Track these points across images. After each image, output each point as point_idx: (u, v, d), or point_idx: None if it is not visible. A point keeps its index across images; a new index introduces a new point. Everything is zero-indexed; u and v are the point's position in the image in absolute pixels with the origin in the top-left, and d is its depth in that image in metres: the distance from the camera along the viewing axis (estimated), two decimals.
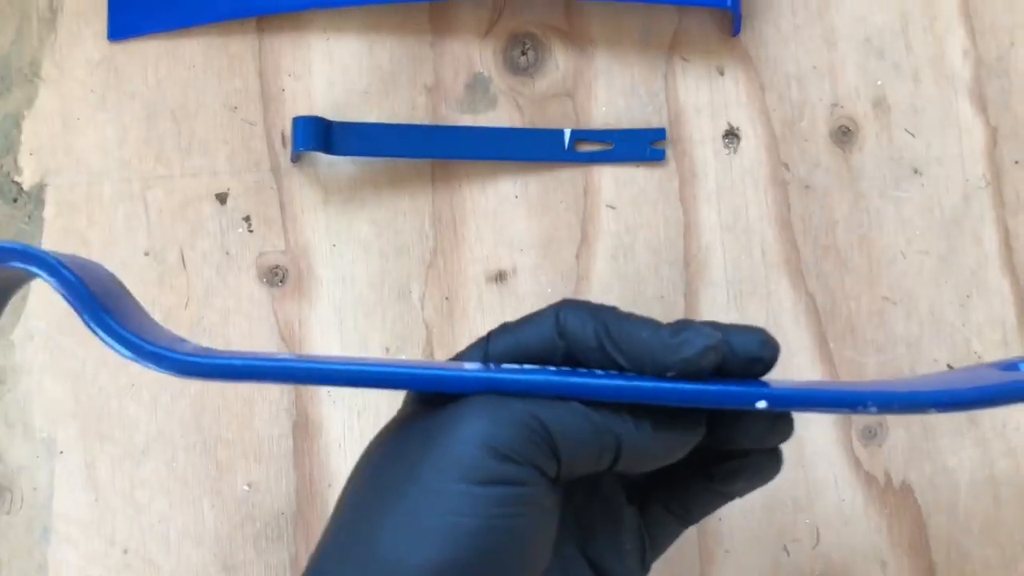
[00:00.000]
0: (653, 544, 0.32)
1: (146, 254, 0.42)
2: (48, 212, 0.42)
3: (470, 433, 0.26)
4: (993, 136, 0.42)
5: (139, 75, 0.42)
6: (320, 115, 0.42)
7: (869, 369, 0.41)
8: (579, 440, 0.27)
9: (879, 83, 0.42)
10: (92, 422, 0.41)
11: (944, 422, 0.41)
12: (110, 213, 0.42)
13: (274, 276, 0.42)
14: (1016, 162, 0.42)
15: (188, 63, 0.42)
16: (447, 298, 0.41)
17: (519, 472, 0.26)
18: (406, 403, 0.31)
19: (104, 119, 0.42)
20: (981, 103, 0.42)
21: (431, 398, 0.28)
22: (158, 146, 0.42)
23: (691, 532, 0.40)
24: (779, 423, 0.30)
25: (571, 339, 0.28)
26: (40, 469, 0.40)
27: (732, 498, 0.32)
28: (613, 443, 0.27)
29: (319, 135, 0.40)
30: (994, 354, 0.41)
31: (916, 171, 0.42)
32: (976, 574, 0.40)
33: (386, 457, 0.28)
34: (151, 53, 0.42)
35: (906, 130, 0.42)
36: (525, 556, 0.27)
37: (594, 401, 0.27)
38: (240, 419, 0.41)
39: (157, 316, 0.35)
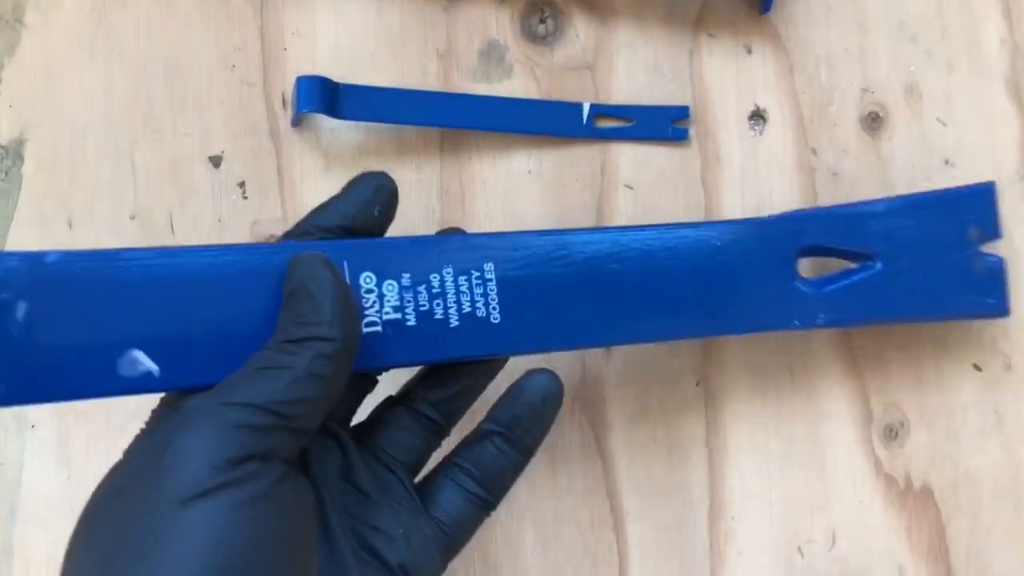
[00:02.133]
0: (448, 531, 0.30)
1: (132, 218, 0.39)
2: (28, 168, 0.39)
3: (193, 456, 0.25)
4: None
5: (130, 26, 0.40)
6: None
7: (893, 366, 0.39)
8: (300, 394, 0.27)
9: (912, 69, 0.40)
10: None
11: (969, 423, 0.39)
12: (94, 172, 0.39)
13: None
14: None
15: (184, 16, 0.40)
16: None
17: (249, 470, 0.25)
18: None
19: (91, 72, 0.39)
20: (1017, 94, 0.40)
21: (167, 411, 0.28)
22: (148, 103, 0.39)
23: (701, 531, 0.38)
24: None
25: None
26: (9, 443, 0.37)
27: (526, 453, 0.32)
28: (324, 369, 0.27)
29: (324, 97, 0.37)
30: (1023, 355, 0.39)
31: (947, 162, 0.40)
32: None
33: (111, 505, 0.26)
34: (144, 4, 0.40)
35: (938, 119, 0.40)
36: (290, 547, 0.26)
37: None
38: None
39: None
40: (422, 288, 0.31)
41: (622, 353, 0.39)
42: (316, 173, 0.39)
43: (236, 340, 0.29)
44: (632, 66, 0.40)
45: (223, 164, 0.39)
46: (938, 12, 0.41)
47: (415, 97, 0.39)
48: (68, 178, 0.39)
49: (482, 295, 0.32)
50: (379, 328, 0.30)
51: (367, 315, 0.30)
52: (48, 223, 0.39)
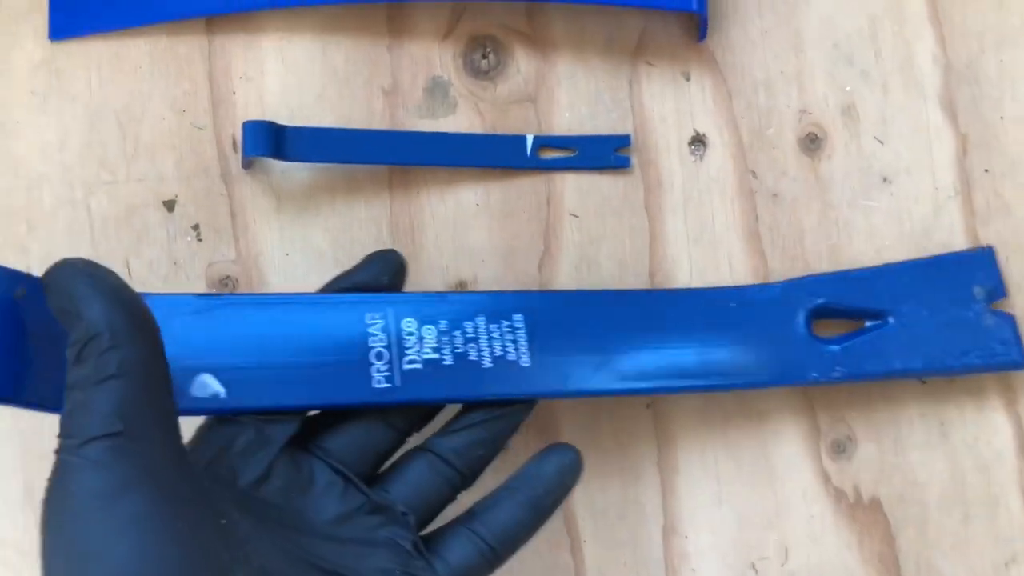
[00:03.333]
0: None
1: None
2: None
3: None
4: (963, 144, 0.41)
5: (82, 77, 0.40)
6: (273, 119, 0.40)
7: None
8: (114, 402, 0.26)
9: (848, 89, 0.41)
10: (33, 441, 0.39)
11: (915, 436, 0.40)
12: (51, 220, 0.40)
13: (224, 287, 0.40)
14: (986, 170, 0.41)
15: (134, 65, 0.41)
16: None
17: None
18: None
19: (45, 122, 0.40)
20: (951, 110, 0.41)
21: None
22: (102, 151, 0.40)
23: (656, 550, 0.39)
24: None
25: None
26: None
27: (542, 516, 0.33)
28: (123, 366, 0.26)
29: (270, 140, 0.38)
30: None
31: (885, 180, 0.41)
32: None
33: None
34: (95, 54, 0.41)
35: (875, 138, 0.41)
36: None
37: None
38: (189, 432, 0.39)
39: None
40: (457, 333, 0.35)
41: None
42: (268, 213, 0.40)
43: (287, 374, 0.33)
44: (573, 97, 0.41)
45: (177, 208, 0.40)
46: (872, 33, 0.41)
47: (361, 136, 0.40)
48: (26, 227, 0.40)
49: (512, 341, 0.35)
50: (419, 366, 0.34)
51: (408, 354, 0.34)
52: None
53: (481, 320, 0.35)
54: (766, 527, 0.39)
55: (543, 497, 0.32)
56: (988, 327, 0.38)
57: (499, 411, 0.34)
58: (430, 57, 0.41)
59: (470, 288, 0.40)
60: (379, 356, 0.34)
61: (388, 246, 0.40)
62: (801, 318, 0.38)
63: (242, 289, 0.40)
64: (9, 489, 0.39)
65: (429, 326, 0.35)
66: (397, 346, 0.34)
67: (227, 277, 0.40)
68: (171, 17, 0.41)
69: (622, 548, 0.39)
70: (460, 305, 0.35)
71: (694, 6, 0.39)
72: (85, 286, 0.27)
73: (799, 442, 0.40)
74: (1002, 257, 0.40)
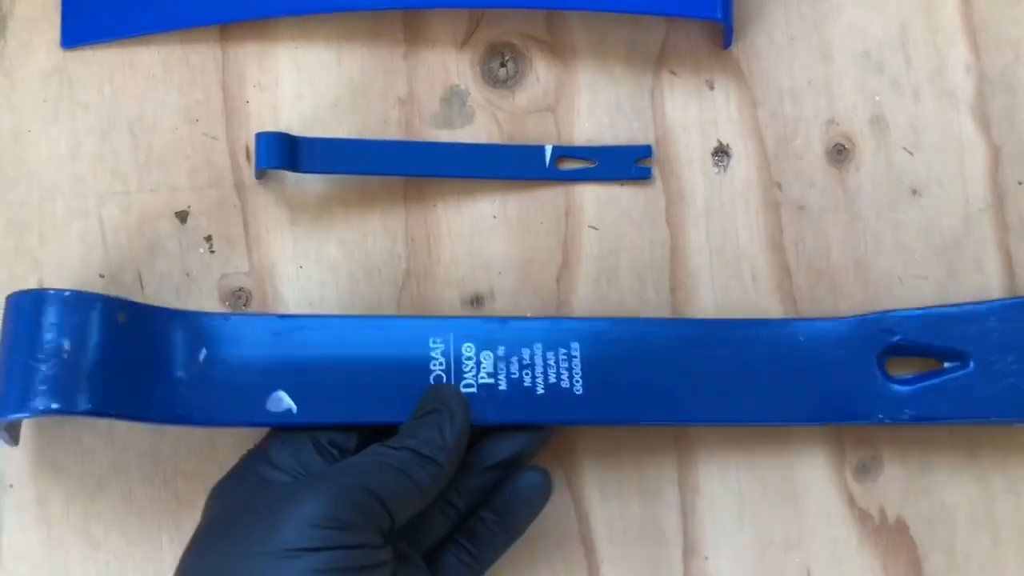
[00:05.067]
0: None
1: (101, 276, 0.39)
2: None
3: (305, 514, 0.30)
4: (996, 156, 0.40)
5: (94, 85, 0.40)
6: (287, 129, 0.39)
7: None
8: (405, 497, 0.32)
9: (877, 99, 0.40)
10: (45, 453, 0.39)
11: (943, 456, 0.39)
12: (63, 232, 0.39)
13: (237, 299, 0.39)
14: (1020, 183, 0.40)
15: (146, 73, 0.40)
16: None
17: (353, 538, 0.30)
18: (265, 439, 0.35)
19: (57, 132, 0.40)
20: (984, 121, 0.40)
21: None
22: (114, 161, 0.40)
23: (676, 572, 0.38)
24: (535, 433, 0.36)
25: None
26: None
27: (515, 535, 0.36)
28: (430, 486, 0.33)
29: (284, 152, 0.38)
30: None
31: (915, 192, 0.40)
32: None
33: (226, 531, 0.32)
34: (107, 62, 0.40)
35: (905, 149, 0.40)
36: None
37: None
38: (200, 450, 0.38)
39: None
40: (514, 359, 0.36)
41: None
42: (281, 225, 0.40)
43: (353, 392, 0.35)
44: (594, 106, 0.40)
45: (189, 219, 0.40)
46: (903, 40, 0.40)
47: (375, 147, 0.39)
48: (37, 238, 0.39)
49: (567, 369, 0.36)
50: (475, 390, 0.36)
51: (465, 378, 0.36)
52: (19, 283, 0.39)
53: (538, 347, 0.36)
54: (789, 549, 0.39)
55: (519, 522, 0.36)
56: None
57: (516, 452, 0.36)
58: (447, 65, 0.40)
59: (486, 303, 0.39)
60: (438, 379, 0.36)
61: (403, 260, 0.40)
62: (873, 356, 0.37)
63: (255, 301, 0.39)
64: (24, 501, 0.38)
65: (487, 351, 0.36)
66: (455, 370, 0.36)
67: (240, 289, 0.39)
68: (184, 25, 0.40)
69: (641, 570, 0.38)
70: (519, 332, 0.36)
71: (719, 14, 0.38)
72: (459, 430, 0.34)
73: (823, 462, 0.39)
74: None
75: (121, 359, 0.34)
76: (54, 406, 0.33)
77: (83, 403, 0.33)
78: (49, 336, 0.33)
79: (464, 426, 0.34)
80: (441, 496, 0.35)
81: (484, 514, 0.35)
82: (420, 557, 0.35)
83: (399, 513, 0.32)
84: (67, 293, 0.34)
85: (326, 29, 0.40)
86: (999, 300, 0.38)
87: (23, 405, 0.33)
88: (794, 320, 0.38)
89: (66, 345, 0.33)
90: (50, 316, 0.34)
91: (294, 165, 0.38)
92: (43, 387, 0.33)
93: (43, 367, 0.33)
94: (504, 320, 0.37)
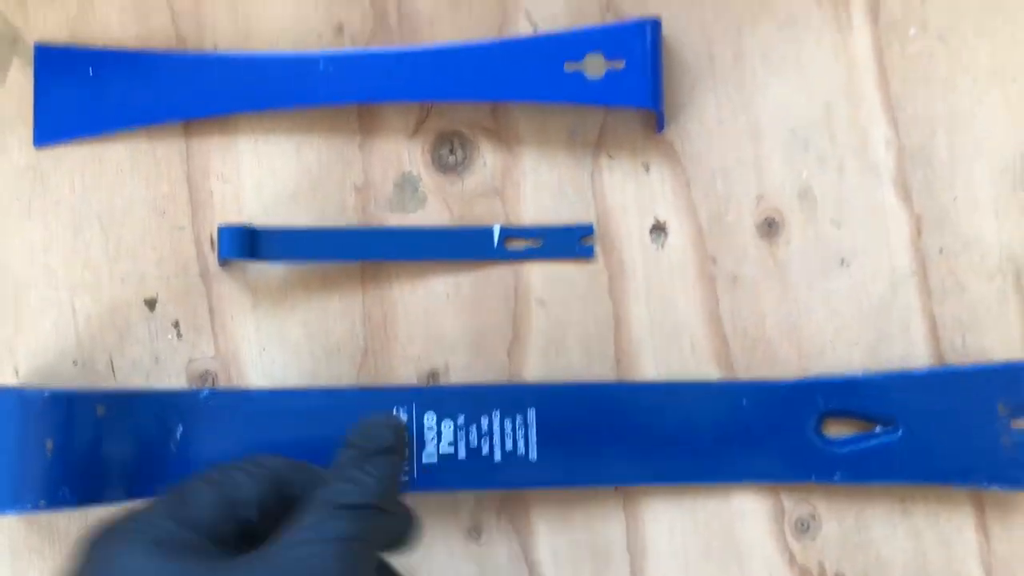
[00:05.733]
0: None
1: (75, 363, 0.41)
2: None
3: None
4: (918, 225, 0.42)
5: (65, 181, 0.42)
6: (249, 217, 0.42)
7: None
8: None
9: (804, 175, 0.42)
10: (20, 535, 0.40)
11: (878, 512, 0.41)
12: (37, 321, 0.41)
13: (204, 382, 0.41)
14: (941, 250, 0.42)
15: (115, 168, 0.42)
16: None
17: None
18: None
19: (30, 226, 0.42)
20: (905, 193, 0.42)
21: None
22: (85, 252, 0.42)
23: None
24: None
25: None
26: None
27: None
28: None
29: (244, 243, 0.40)
30: None
31: (843, 262, 0.42)
32: None
33: None
34: (77, 158, 0.42)
35: (832, 221, 0.42)
36: None
37: None
38: None
39: None
40: (472, 428, 0.39)
41: None
42: (245, 309, 0.42)
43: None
44: (538, 189, 0.42)
45: (158, 306, 0.42)
46: (827, 118, 0.43)
47: (333, 235, 0.41)
48: (13, 328, 0.41)
49: (523, 436, 0.39)
50: (435, 460, 0.39)
51: (427, 447, 0.39)
52: None
53: (496, 414, 0.39)
54: None
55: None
56: (1006, 447, 0.38)
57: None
58: (399, 154, 0.43)
59: (441, 377, 0.41)
60: None
61: (361, 339, 0.42)
62: (808, 419, 0.39)
63: (221, 383, 0.41)
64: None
65: (448, 420, 0.39)
66: (418, 439, 0.39)
67: (206, 372, 0.41)
68: (150, 121, 0.42)
69: None
70: (478, 398, 0.39)
71: (650, 102, 0.40)
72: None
73: (764, 521, 0.41)
74: (956, 337, 0.41)
75: (103, 449, 0.37)
76: (42, 503, 0.36)
77: (71, 497, 0.36)
78: (32, 436, 0.36)
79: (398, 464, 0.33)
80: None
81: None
82: None
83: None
84: (47, 393, 0.37)
85: (285, 122, 0.43)
86: (924, 369, 0.40)
87: (12, 503, 0.36)
88: (736, 383, 0.40)
89: (48, 444, 0.36)
90: (31, 416, 0.36)
91: (254, 254, 0.40)
92: (31, 485, 0.36)
93: (29, 466, 0.36)
94: (465, 388, 0.39)
